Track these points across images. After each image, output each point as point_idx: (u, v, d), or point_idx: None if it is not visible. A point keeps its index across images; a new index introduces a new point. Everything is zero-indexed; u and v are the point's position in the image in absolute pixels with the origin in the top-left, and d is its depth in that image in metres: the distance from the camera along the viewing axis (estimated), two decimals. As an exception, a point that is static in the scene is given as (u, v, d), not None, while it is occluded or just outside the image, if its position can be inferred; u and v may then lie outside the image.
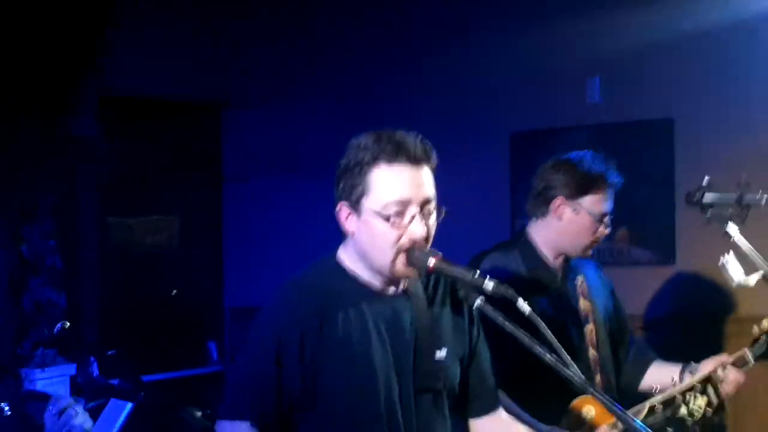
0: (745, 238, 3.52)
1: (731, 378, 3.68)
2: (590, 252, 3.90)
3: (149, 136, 7.16)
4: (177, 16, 6.86)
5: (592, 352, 3.91)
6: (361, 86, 6.75)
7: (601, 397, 2.53)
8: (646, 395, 3.66)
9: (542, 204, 3.85)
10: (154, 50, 6.88)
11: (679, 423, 3.09)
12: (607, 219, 3.82)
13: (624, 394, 3.86)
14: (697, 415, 3.12)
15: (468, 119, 6.24)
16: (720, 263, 3.53)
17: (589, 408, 3.61)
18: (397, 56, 6.56)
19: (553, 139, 5.86)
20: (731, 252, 3.52)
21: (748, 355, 3.73)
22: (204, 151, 7.61)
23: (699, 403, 3.13)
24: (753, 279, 3.47)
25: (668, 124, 5.56)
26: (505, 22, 6.10)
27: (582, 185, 3.79)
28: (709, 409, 3.13)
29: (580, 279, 3.98)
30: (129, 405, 4.38)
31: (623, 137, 5.67)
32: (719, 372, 3.68)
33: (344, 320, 2.78)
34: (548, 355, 2.50)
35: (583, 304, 3.94)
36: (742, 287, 3.49)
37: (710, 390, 3.15)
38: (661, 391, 3.62)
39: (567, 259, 3.93)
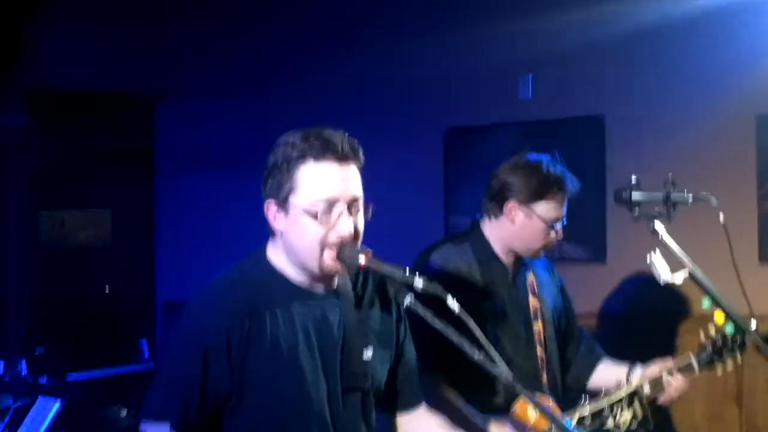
0: (672, 236, 3.57)
1: (675, 385, 3.75)
2: (541, 253, 3.94)
3: (81, 129, 7.10)
4: (111, 9, 6.79)
5: (539, 350, 3.96)
6: (295, 81, 6.74)
7: (530, 397, 2.55)
8: (595, 394, 3.72)
9: (496, 205, 3.88)
10: (87, 43, 6.80)
11: None
12: (559, 225, 3.86)
13: (571, 392, 3.91)
14: (623, 428, 3.16)
15: (402, 115, 6.25)
16: (648, 261, 3.58)
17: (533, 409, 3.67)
18: (331, 52, 6.55)
19: (486, 136, 5.91)
20: (658, 250, 3.57)
21: (694, 362, 3.79)
22: (137, 144, 7.55)
23: (625, 416, 3.18)
24: (679, 277, 3.51)
25: (599, 121, 5.61)
26: (439, 19, 6.11)
27: (536, 191, 3.81)
28: (635, 424, 3.17)
29: (530, 276, 4.03)
30: (57, 403, 4.34)
31: (555, 134, 5.71)
32: (664, 377, 3.73)
33: (272, 320, 2.77)
34: (477, 353, 2.52)
35: (532, 301, 3.99)
36: (669, 285, 3.54)
37: (636, 404, 3.19)
38: (607, 393, 3.67)
39: (518, 256, 3.95)
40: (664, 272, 3.54)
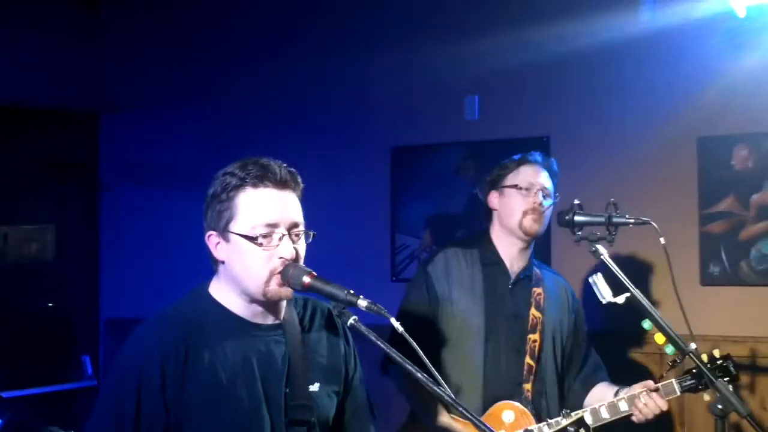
0: (614, 258, 3.61)
1: (652, 405, 3.84)
2: (536, 228, 4.07)
3: (22, 144, 7.02)
4: (50, 20, 6.76)
5: (528, 360, 4.06)
6: (239, 98, 6.72)
7: (471, 417, 2.56)
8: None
9: (485, 206, 4.22)
10: (28, 56, 6.76)
11: None
12: (535, 190, 4.06)
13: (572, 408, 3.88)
14: None
15: (349, 134, 6.25)
16: (590, 281, 3.62)
17: (508, 413, 3.75)
18: (277, 70, 6.54)
19: (433, 155, 5.93)
20: (599, 273, 3.61)
21: (675, 386, 3.86)
22: (80, 159, 7.48)
23: None
24: (621, 298, 3.56)
25: (544, 142, 5.64)
26: (387, 39, 6.14)
27: (502, 170, 4.17)
28: None
29: (537, 290, 4.16)
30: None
31: (500, 154, 5.68)
32: (643, 397, 3.79)
33: (211, 353, 2.76)
34: (419, 374, 2.53)
35: (534, 312, 4.11)
36: (612, 305, 3.58)
37: None
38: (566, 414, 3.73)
39: (527, 269, 4.15)
40: (605, 293, 3.59)
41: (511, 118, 5.76)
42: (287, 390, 2.85)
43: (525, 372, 4.07)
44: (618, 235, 3.65)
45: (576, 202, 3.65)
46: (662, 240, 3.49)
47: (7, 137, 6.94)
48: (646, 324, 3.58)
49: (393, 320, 2.60)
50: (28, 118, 7.05)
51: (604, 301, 3.59)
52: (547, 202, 4.09)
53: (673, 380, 3.88)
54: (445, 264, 4.16)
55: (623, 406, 3.85)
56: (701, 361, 3.59)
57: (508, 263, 4.15)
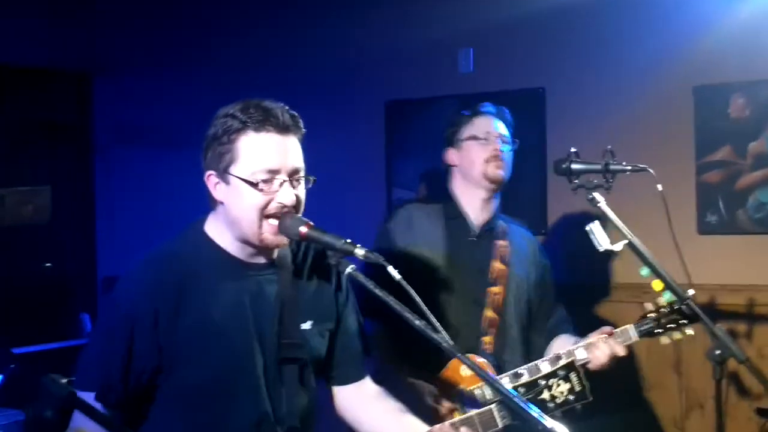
0: (611, 207, 3.61)
1: (607, 350, 3.87)
2: (500, 174, 4.14)
3: (16, 105, 7.01)
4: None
5: (490, 313, 4.10)
6: (233, 56, 6.69)
7: (468, 362, 2.57)
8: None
9: (445, 168, 4.28)
10: (20, 15, 6.73)
11: (540, 406, 3.12)
12: (492, 138, 4.13)
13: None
14: (559, 400, 3.21)
15: (342, 88, 6.23)
16: (587, 229, 3.62)
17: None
18: (271, 26, 6.52)
19: (427, 108, 5.90)
20: (597, 220, 3.61)
21: (632, 330, 3.89)
22: (73, 120, 7.46)
23: (561, 389, 3.22)
24: (618, 245, 3.56)
25: (539, 93, 5.62)
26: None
27: (455, 124, 4.23)
28: (571, 396, 3.22)
29: (501, 243, 4.20)
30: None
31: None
32: (600, 342, 3.81)
33: (204, 291, 2.78)
34: (417, 321, 2.53)
35: (496, 265, 4.15)
36: (608, 252, 3.58)
37: (573, 377, 3.24)
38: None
39: (491, 222, 4.20)
40: (602, 240, 3.59)
41: (506, 70, 5.73)
42: (279, 328, 2.86)
43: (485, 325, 4.10)
44: (614, 184, 3.65)
45: (573, 150, 3.64)
46: (659, 187, 3.49)
47: (1, 98, 6.92)
48: (644, 271, 3.58)
49: (390, 268, 2.60)
50: (22, 78, 7.02)
51: (600, 249, 3.59)
52: (507, 148, 4.15)
53: (630, 326, 3.92)
54: (407, 219, 4.21)
55: (581, 354, 3.87)
56: (698, 307, 3.59)
57: (472, 216, 4.19)
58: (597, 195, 3.59)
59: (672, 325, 3.88)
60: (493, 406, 3.26)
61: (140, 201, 7.13)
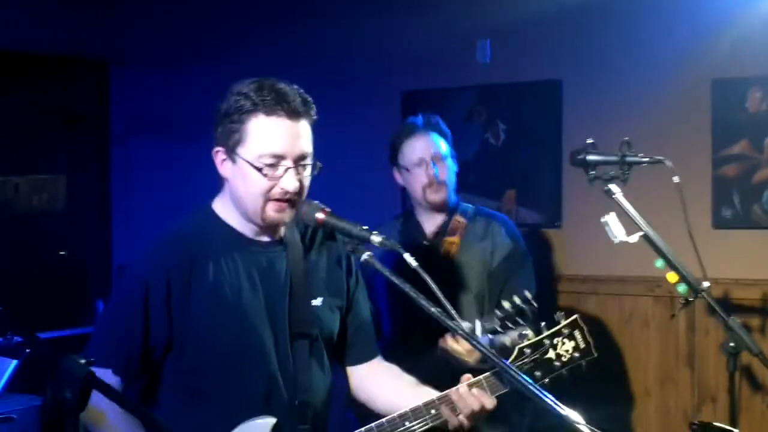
0: (627, 199, 3.60)
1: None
2: (438, 198, 4.17)
3: (33, 92, 7.02)
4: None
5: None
6: (252, 45, 6.69)
7: (483, 349, 2.58)
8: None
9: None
10: (38, 4, 6.75)
11: (546, 365, 3.16)
12: (426, 161, 4.14)
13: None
14: (565, 358, 3.21)
15: (360, 78, 6.23)
16: (602, 221, 3.61)
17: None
18: (289, 16, 6.52)
19: (444, 99, 5.90)
20: (612, 212, 3.61)
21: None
22: (91, 109, 7.47)
23: (566, 347, 3.22)
24: (633, 238, 3.55)
25: (556, 85, 5.62)
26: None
27: (393, 148, 4.22)
28: (576, 354, 3.22)
29: (458, 218, 4.27)
30: (14, 362, 4.31)
31: (512, 98, 5.73)
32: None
33: (215, 267, 2.80)
34: (433, 308, 2.54)
35: (449, 239, 4.23)
36: (623, 245, 3.58)
37: (578, 334, 3.24)
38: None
39: (445, 223, 4.23)
40: (618, 232, 3.58)
41: (524, 61, 5.73)
42: (290, 304, 2.88)
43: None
44: (631, 175, 3.64)
45: (589, 141, 3.64)
46: (676, 179, 3.48)
47: (18, 86, 6.94)
48: (659, 263, 3.57)
49: (407, 255, 2.61)
50: (39, 66, 7.03)
51: (616, 241, 3.58)
52: (441, 167, 4.16)
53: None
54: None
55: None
56: (713, 300, 3.57)
57: (425, 222, 4.29)
58: (613, 186, 3.58)
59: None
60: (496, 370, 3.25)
61: (156, 190, 7.14)
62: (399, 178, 4.27)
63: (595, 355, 3.24)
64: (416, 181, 4.15)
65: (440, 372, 3.76)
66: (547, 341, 3.22)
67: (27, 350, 4.28)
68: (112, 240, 7.53)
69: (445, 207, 4.24)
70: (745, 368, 4.87)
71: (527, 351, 3.20)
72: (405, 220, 4.33)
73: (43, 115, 7.13)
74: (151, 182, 7.24)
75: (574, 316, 3.29)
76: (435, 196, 4.14)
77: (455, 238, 4.22)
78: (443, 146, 4.20)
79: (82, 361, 2.00)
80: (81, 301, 7.07)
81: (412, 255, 3.91)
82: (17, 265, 6.76)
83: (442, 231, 4.24)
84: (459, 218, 4.25)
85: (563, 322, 3.27)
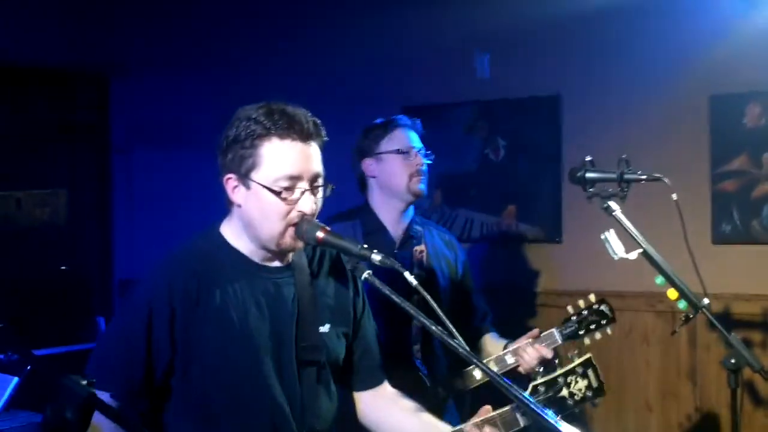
0: (626, 216, 3.61)
1: (534, 353, 3.92)
2: (421, 188, 4.15)
3: (34, 107, 7.04)
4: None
5: (415, 322, 4.02)
6: (252, 58, 6.72)
7: (484, 368, 2.58)
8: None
9: (360, 175, 4.23)
10: (37, 16, 6.77)
11: (559, 403, 3.20)
12: (414, 152, 4.12)
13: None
14: (578, 396, 3.24)
15: (359, 93, 6.22)
16: (602, 237, 3.62)
17: None
18: (289, 29, 6.54)
19: (444, 114, 5.92)
20: (612, 229, 3.61)
21: (557, 334, 3.98)
22: (91, 121, 7.49)
23: (580, 385, 3.25)
24: (633, 254, 3.56)
25: (556, 100, 5.64)
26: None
27: (373, 136, 4.18)
28: (590, 393, 3.25)
29: (419, 248, 4.20)
30: (15, 380, 4.31)
31: (511, 113, 5.74)
32: (527, 346, 3.84)
33: (222, 292, 2.78)
34: (434, 327, 2.55)
35: (417, 272, 4.12)
36: (623, 261, 3.58)
37: (591, 373, 3.27)
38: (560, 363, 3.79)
39: (410, 229, 4.19)
40: (618, 249, 3.59)
41: (523, 76, 5.74)
42: (297, 330, 2.88)
43: (413, 333, 4.12)
44: (629, 192, 3.65)
45: (588, 158, 3.65)
46: (674, 196, 3.48)
47: (18, 100, 6.95)
48: (659, 280, 3.58)
49: (407, 274, 2.62)
50: (40, 80, 7.05)
51: (616, 258, 3.59)
52: (426, 162, 4.17)
53: (554, 329, 3.99)
54: None
55: (509, 359, 3.94)
56: (713, 316, 3.58)
57: (390, 229, 4.19)
58: (612, 203, 3.59)
59: (593, 326, 3.99)
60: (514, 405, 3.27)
61: (157, 203, 7.16)
62: (372, 167, 4.17)
63: (605, 394, 3.28)
64: (402, 168, 4.10)
65: (407, 383, 3.80)
66: (561, 379, 3.26)
67: (28, 367, 4.30)
68: (114, 254, 7.54)
69: (419, 199, 4.22)
70: (747, 383, 4.87)
71: (541, 389, 3.23)
72: (365, 223, 4.21)
73: (44, 129, 7.14)
74: (152, 195, 7.25)
75: (588, 355, 3.35)
76: (417, 186, 4.12)
77: (421, 246, 4.21)
78: (422, 146, 4.21)
79: (84, 381, 2.00)
80: (82, 317, 7.06)
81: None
82: (18, 279, 6.75)
83: (409, 237, 4.21)
84: (419, 248, 4.22)
85: (577, 360, 3.30)
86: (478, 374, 3.96)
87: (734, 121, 5.11)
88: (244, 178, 2.77)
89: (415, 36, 6.02)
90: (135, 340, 2.75)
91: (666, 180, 3.56)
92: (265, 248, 2.84)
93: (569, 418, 3.09)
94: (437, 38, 5.94)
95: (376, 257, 2.64)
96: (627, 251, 3.59)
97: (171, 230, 6.17)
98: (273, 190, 2.73)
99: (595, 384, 3.29)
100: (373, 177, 4.20)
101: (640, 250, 3.56)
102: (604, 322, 3.98)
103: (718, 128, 5.16)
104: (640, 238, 3.55)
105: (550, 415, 2.46)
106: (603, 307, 3.98)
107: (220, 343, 2.77)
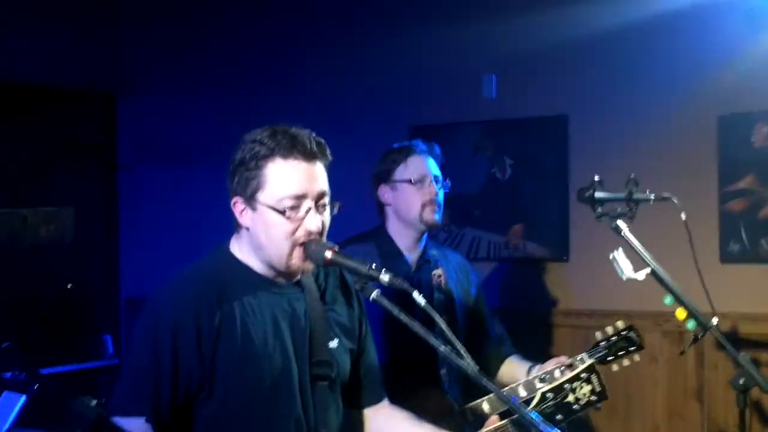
0: (634, 235, 3.61)
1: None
2: (436, 218, 4.14)
3: (40, 124, 7.05)
4: (72, 2, 6.79)
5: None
6: (259, 78, 6.73)
7: (493, 388, 2.58)
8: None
9: (377, 201, 4.24)
10: (45, 35, 6.79)
11: (566, 408, 3.26)
12: (429, 180, 4.12)
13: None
14: (583, 401, 3.28)
15: (366, 113, 6.24)
16: (610, 257, 3.62)
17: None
18: (297, 48, 6.55)
19: (451, 133, 5.91)
20: (620, 248, 3.61)
21: (585, 359, 3.90)
22: (98, 140, 7.50)
23: (584, 390, 3.30)
24: (641, 274, 3.56)
25: (563, 120, 5.64)
26: (405, 18, 6.13)
27: (389, 163, 4.18)
28: (594, 397, 3.28)
29: (437, 271, 4.20)
30: (23, 398, 4.30)
31: (519, 133, 5.75)
32: (556, 372, 3.84)
33: (241, 310, 2.79)
34: (443, 347, 2.55)
35: (437, 296, 4.14)
36: (631, 280, 3.58)
37: (594, 379, 3.31)
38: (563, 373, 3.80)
39: (425, 253, 4.19)
40: (626, 269, 3.58)
41: (530, 97, 5.74)
42: (311, 346, 2.89)
43: (441, 356, 4.09)
44: (638, 212, 3.65)
45: (596, 178, 3.65)
46: (683, 216, 3.49)
47: (25, 119, 6.96)
48: (667, 299, 3.58)
49: (415, 293, 2.61)
50: (46, 99, 7.06)
51: (624, 278, 3.59)
52: (441, 189, 4.17)
53: (584, 354, 3.94)
54: None
55: (539, 384, 3.86)
56: (720, 335, 3.57)
57: (406, 253, 4.18)
58: (620, 223, 3.59)
59: (621, 353, 3.96)
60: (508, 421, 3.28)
61: (164, 221, 7.16)
62: (387, 195, 4.18)
63: (609, 396, 3.32)
64: (415, 198, 4.10)
65: (434, 406, 3.80)
66: (567, 386, 3.30)
67: (35, 385, 4.29)
68: (120, 272, 7.54)
69: (434, 228, 4.23)
70: (755, 404, 4.85)
71: (549, 395, 3.28)
72: (380, 245, 4.20)
73: (51, 147, 7.15)
74: (159, 213, 7.24)
75: (590, 361, 3.40)
76: (431, 216, 4.11)
77: (439, 270, 4.22)
78: (439, 172, 4.21)
79: (93, 402, 1.99)
80: (88, 335, 7.06)
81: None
82: (24, 297, 6.76)
83: (425, 261, 4.22)
84: (437, 272, 4.23)
85: (581, 367, 3.35)
86: (486, 406, 3.92)
87: (742, 141, 5.11)
88: (250, 200, 2.78)
89: (424, 56, 6.03)
90: (161, 362, 2.72)
91: (675, 200, 3.56)
92: (274, 269, 2.85)
93: (570, 421, 3.14)
94: (445, 59, 5.95)
95: (385, 277, 2.64)
96: (635, 271, 3.58)
97: (177, 248, 6.19)
98: (278, 209, 2.74)
99: (598, 388, 3.36)
100: (389, 204, 4.20)
101: (649, 270, 3.55)
102: (632, 348, 3.96)
103: (726, 148, 5.16)
104: (648, 257, 3.54)
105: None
106: (631, 334, 3.95)
107: (243, 361, 2.77)
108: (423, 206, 4.10)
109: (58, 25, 6.85)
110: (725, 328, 4.75)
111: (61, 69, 6.99)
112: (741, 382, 3.44)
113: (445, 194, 4.20)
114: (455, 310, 4.20)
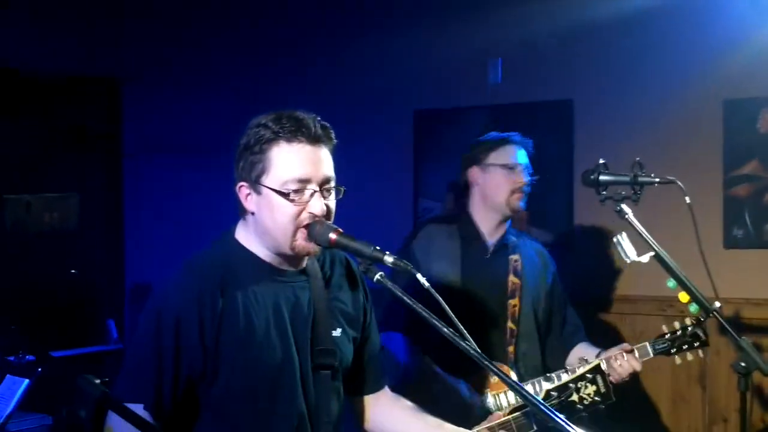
0: (638, 219, 3.61)
1: (626, 366, 4.02)
2: (520, 206, 4.26)
3: (45, 111, 7.06)
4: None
5: (510, 325, 4.23)
6: (264, 66, 6.74)
7: (495, 370, 2.58)
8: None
9: (464, 181, 4.33)
10: (50, 22, 6.79)
11: (569, 407, 3.29)
12: (520, 169, 4.23)
13: (551, 369, 4.22)
14: (587, 401, 3.31)
15: (372, 98, 6.24)
16: (614, 240, 3.62)
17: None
18: (301, 36, 6.55)
19: (456, 118, 5.92)
20: (624, 232, 3.61)
21: (649, 348, 4.04)
22: (103, 127, 7.51)
23: (588, 390, 3.32)
24: (645, 257, 3.56)
25: (568, 105, 5.63)
26: (410, 4, 6.13)
27: (484, 148, 4.27)
28: (598, 398, 3.33)
29: (514, 257, 4.31)
30: (26, 382, 4.33)
31: (523, 118, 5.72)
32: (618, 358, 3.89)
33: (244, 298, 2.79)
34: (446, 328, 2.55)
35: (512, 279, 4.27)
36: (635, 263, 3.59)
37: (599, 379, 3.34)
38: (572, 370, 3.94)
39: (504, 238, 4.30)
40: (630, 252, 3.60)
41: (535, 81, 5.74)
42: (313, 335, 2.89)
43: (507, 336, 4.22)
44: (642, 195, 3.65)
45: (601, 161, 3.65)
46: (687, 199, 3.49)
47: (30, 106, 6.97)
48: (671, 283, 3.58)
49: (419, 276, 2.62)
50: (51, 86, 7.07)
51: (628, 261, 3.60)
52: (529, 180, 4.26)
53: (647, 343, 4.07)
54: (427, 239, 4.28)
55: (545, 383, 4.00)
56: (724, 320, 3.58)
57: (486, 236, 4.29)
58: (625, 206, 3.60)
59: (685, 347, 4.05)
60: (528, 410, 3.30)
61: (168, 208, 7.17)
62: (478, 176, 4.27)
63: (614, 399, 3.35)
64: (505, 183, 4.21)
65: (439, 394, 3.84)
66: (572, 385, 3.33)
67: (38, 369, 4.32)
68: (125, 259, 7.56)
69: (516, 215, 4.35)
70: (757, 388, 4.86)
71: (554, 394, 3.32)
72: (461, 228, 4.33)
73: (55, 134, 7.16)
74: (163, 201, 7.26)
75: (597, 362, 3.41)
76: (517, 203, 4.23)
77: (516, 256, 4.28)
78: (528, 164, 4.32)
79: (98, 381, 2.00)
80: (92, 321, 7.07)
81: (473, 269, 4.08)
82: (28, 283, 6.77)
83: (502, 245, 4.30)
84: (514, 258, 4.31)
85: (587, 366, 3.37)
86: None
87: (748, 126, 5.10)
88: (255, 184, 2.78)
89: (429, 42, 6.02)
90: (164, 351, 2.73)
91: (679, 183, 3.56)
92: (280, 254, 2.85)
93: (579, 422, 3.14)
94: (450, 43, 5.94)
95: (389, 259, 2.64)
96: (639, 254, 3.59)
97: (181, 235, 6.22)
98: (282, 192, 2.74)
99: (603, 389, 3.38)
100: (477, 185, 4.28)
101: (652, 254, 3.56)
102: (696, 344, 4.06)
103: (731, 133, 5.15)
104: (652, 241, 3.55)
105: (564, 421, 2.47)
106: (698, 330, 4.03)
107: (245, 349, 2.77)
108: (512, 192, 4.21)
109: (63, 14, 6.84)
110: (728, 313, 4.75)
111: (67, 56, 7.00)
112: (742, 365, 3.45)
113: (539, 169, 4.32)
114: (530, 296, 4.31)
